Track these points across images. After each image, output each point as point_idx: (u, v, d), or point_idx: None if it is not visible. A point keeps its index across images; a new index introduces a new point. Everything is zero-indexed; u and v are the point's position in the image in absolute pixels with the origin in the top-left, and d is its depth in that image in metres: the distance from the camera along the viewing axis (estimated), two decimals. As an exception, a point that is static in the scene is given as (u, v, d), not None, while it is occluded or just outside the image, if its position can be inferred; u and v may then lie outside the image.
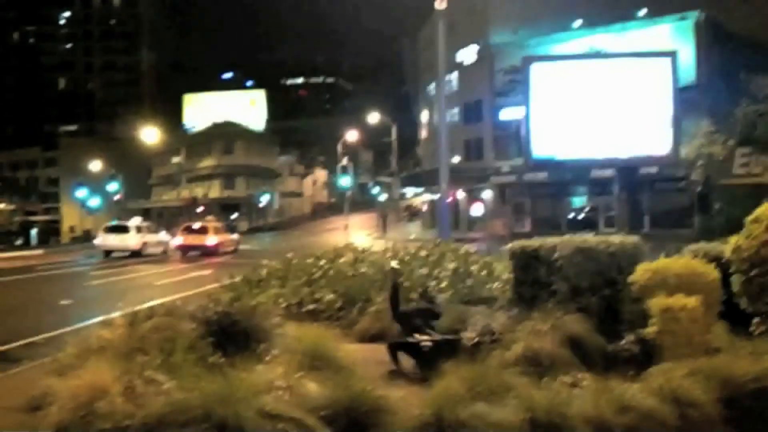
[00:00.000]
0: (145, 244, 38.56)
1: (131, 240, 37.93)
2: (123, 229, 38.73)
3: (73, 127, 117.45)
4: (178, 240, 39.82)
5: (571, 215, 48.21)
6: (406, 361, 7.42)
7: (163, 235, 42.74)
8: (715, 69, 40.08)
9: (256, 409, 4.65)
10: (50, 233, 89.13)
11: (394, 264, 8.99)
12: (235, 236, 45.84)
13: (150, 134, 65.34)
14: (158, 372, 5.66)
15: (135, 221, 41.34)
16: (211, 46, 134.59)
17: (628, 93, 19.46)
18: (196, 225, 41.79)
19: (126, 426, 4.66)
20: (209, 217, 52.29)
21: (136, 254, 36.82)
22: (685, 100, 24.79)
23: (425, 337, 7.44)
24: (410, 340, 7.50)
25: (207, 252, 37.88)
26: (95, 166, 74.22)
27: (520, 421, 4.85)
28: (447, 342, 7.36)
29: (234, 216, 77.16)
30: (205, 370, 5.86)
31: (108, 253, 37.74)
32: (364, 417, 5.17)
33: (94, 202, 66.89)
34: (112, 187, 64.04)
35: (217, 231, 40.96)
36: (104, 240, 38.62)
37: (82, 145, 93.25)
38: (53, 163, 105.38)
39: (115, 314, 7.88)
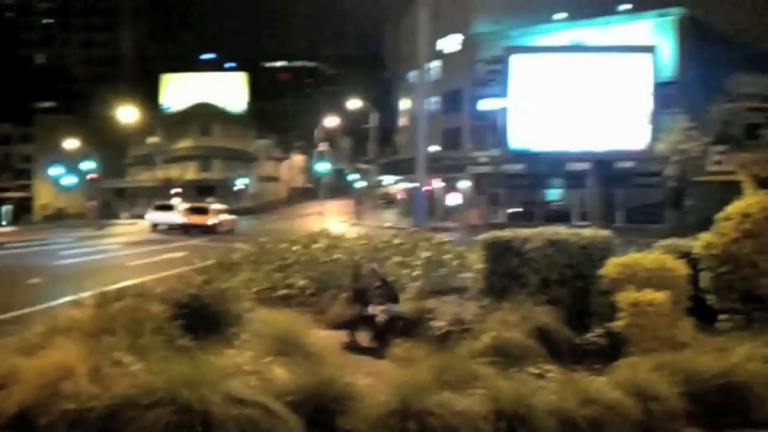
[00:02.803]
0: (218, 223, 43.76)
1: (210, 218, 43.40)
2: (204, 210, 44.87)
3: (49, 104, 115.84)
4: (182, 219, 43.92)
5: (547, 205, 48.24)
6: (363, 337, 7.75)
7: (232, 216, 48.32)
8: (694, 66, 40.31)
9: (222, 393, 4.64)
10: (23, 211, 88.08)
11: (375, 266, 9.02)
12: (232, 217, 48.72)
13: (127, 113, 64.52)
14: (126, 353, 5.63)
15: (213, 203, 48.29)
16: (192, 27, 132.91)
17: (606, 87, 19.61)
18: (198, 205, 46.64)
19: (90, 407, 4.62)
20: (209, 199, 56.86)
21: (211, 231, 41.50)
22: (664, 95, 25.02)
23: (380, 308, 7.60)
24: (366, 313, 7.81)
25: (207, 230, 41.30)
26: (71, 144, 73.28)
27: (485, 411, 4.88)
28: (400, 317, 7.71)
29: (209, 199, 76.78)
30: (173, 352, 5.82)
31: (187, 228, 42.07)
32: (332, 403, 5.18)
33: (69, 180, 66.17)
34: (87, 165, 63.33)
35: (216, 212, 45.18)
36: (187, 218, 43.61)
37: (58, 123, 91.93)
38: (28, 140, 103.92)
39: (85, 294, 7.80)
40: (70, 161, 68.14)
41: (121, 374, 5.15)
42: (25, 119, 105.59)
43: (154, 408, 4.45)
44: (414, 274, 10.16)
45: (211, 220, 43.45)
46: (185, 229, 42.01)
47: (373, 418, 4.85)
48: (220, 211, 46.06)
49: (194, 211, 44.96)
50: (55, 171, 67.39)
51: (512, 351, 6.39)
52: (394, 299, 8.13)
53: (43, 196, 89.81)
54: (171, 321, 6.75)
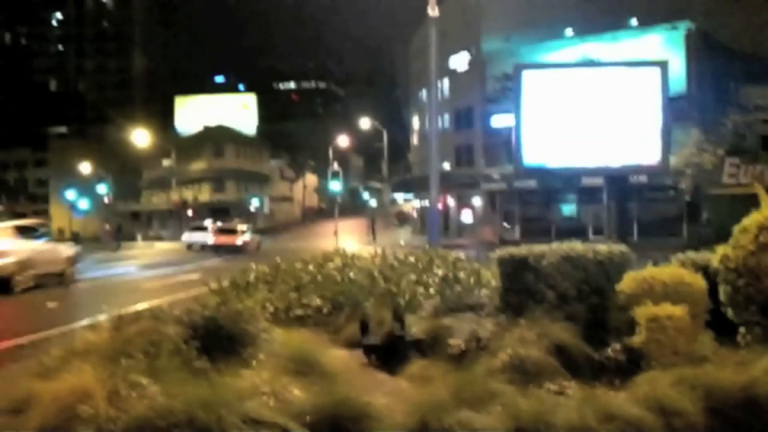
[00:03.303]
0: (246, 242, 47.60)
1: (239, 239, 47.25)
2: (232, 231, 48.79)
3: (63, 129, 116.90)
4: (212, 239, 48.17)
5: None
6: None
7: (256, 236, 52.82)
8: (705, 79, 40.27)
9: (239, 414, 4.62)
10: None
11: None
12: (258, 237, 53.28)
13: (140, 137, 65.10)
14: (143, 376, 5.62)
15: (240, 225, 52.29)
16: (204, 50, 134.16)
17: (618, 102, 19.52)
18: (227, 227, 51.22)
19: (108, 430, 4.62)
20: (235, 220, 61.19)
21: (239, 250, 44.67)
22: (675, 109, 24.93)
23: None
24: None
25: (236, 250, 44.39)
26: (85, 168, 73.89)
27: (505, 428, 4.84)
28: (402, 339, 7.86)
29: (236, 220, 77.23)
30: (189, 374, 5.82)
31: (217, 248, 45.80)
32: (349, 423, 5.14)
33: (83, 204, 66.65)
34: (102, 189, 63.77)
35: (243, 232, 48.96)
36: (216, 239, 47.74)
37: (72, 147, 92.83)
38: (43, 164, 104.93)
39: (101, 317, 7.82)
40: (85, 185, 68.64)
41: (139, 396, 5.14)
42: (40, 144, 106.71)
43: (172, 430, 4.44)
44: (429, 291, 10.13)
45: (239, 240, 46.82)
46: (216, 249, 45.24)
47: (392, 437, 4.82)
48: (246, 231, 49.48)
49: (223, 231, 48.99)
50: (70, 195, 67.80)
51: (530, 368, 6.34)
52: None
53: (59, 220, 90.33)
54: (187, 343, 6.74)
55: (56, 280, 22.32)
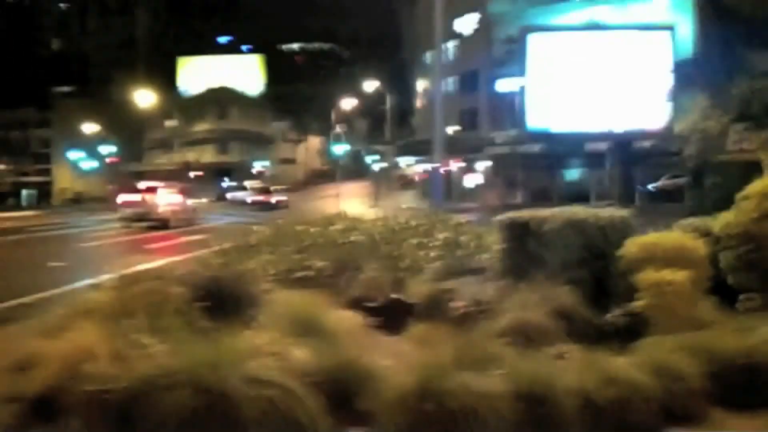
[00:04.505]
0: (279, 200, 58.44)
1: (273, 197, 58.52)
2: (268, 191, 61.30)
3: (67, 89, 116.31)
4: (251, 198, 59.50)
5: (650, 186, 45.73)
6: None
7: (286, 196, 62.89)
8: (713, 44, 39.80)
9: (242, 375, 4.65)
10: (42, 195, 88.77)
11: None
12: (285, 197, 62.44)
13: (144, 97, 64.81)
14: (146, 336, 5.65)
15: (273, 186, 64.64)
16: (208, 10, 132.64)
17: (625, 66, 19.41)
18: (263, 187, 64.02)
19: (111, 389, 4.65)
20: (256, 182, 73.47)
21: (274, 207, 54.17)
22: (682, 74, 24.73)
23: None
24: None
25: (270, 207, 53.41)
26: (89, 128, 73.66)
27: (505, 391, 4.86)
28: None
29: (226, 181, 77.14)
30: (192, 334, 5.84)
31: (256, 204, 55.96)
32: (351, 384, 5.19)
33: (87, 164, 66.58)
34: (105, 149, 63.72)
35: (277, 192, 61.51)
36: (255, 197, 59.00)
37: (76, 107, 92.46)
38: (46, 124, 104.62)
39: (105, 277, 7.84)
40: (89, 145, 68.58)
41: (142, 356, 5.17)
42: (43, 104, 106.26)
43: (175, 389, 4.47)
44: (431, 255, 10.14)
45: (273, 199, 57.98)
46: (255, 205, 55.13)
47: (392, 398, 4.85)
48: (278, 192, 61.74)
49: (260, 191, 61.40)
50: (73, 155, 67.71)
51: (531, 332, 6.36)
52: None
53: (63, 181, 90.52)
54: (190, 303, 6.77)
55: (187, 222, 34.34)
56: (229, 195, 67.37)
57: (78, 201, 74.83)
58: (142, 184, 35.87)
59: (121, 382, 4.69)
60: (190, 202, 37.96)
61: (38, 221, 38.62)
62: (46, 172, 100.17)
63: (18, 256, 19.56)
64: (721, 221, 7.65)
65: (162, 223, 31.73)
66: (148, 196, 33.69)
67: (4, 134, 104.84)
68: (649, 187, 45.18)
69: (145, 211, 32.64)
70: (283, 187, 67.32)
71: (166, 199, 34.25)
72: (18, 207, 69.48)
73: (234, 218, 37.22)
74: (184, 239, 24.30)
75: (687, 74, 33.33)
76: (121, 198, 35.36)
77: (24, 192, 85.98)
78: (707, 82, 35.25)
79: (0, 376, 5.98)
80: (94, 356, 5.20)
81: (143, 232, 29.36)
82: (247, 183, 71.42)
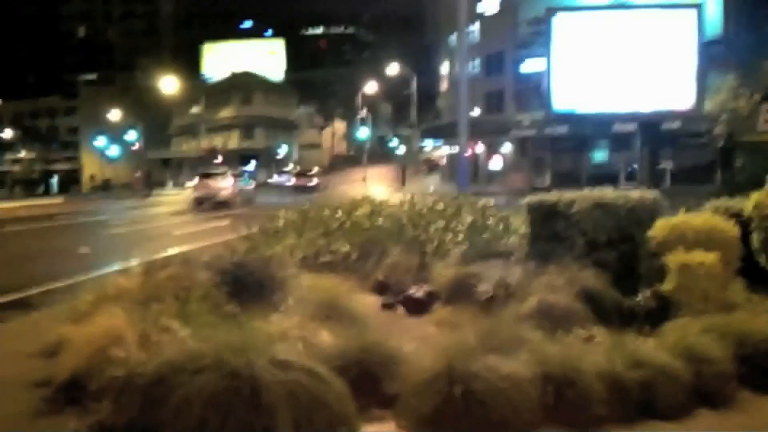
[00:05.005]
0: (318, 183, 62.19)
1: (312, 181, 62.66)
2: (307, 175, 65.04)
3: (92, 76, 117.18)
4: (292, 181, 64.19)
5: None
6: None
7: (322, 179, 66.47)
8: (742, 22, 39.13)
9: (268, 358, 4.65)
10: (70, 182, 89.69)
11: None
12: (322, 180, 65.98)
13: (169, 84, 65.02)
14: (173, 320, 5.68)
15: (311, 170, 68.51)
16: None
17: (651, 46, 19.18)
18: (303, 171, 67.55)
19: (139, 373, 4.68)
20: (294, 166, 78.09)
21: (313, 189, 57.58)
22: (711, 54, 24.40)
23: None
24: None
25: (310, 190, 56.79)
26: (114, 115, 74.14)
27: (532, 374, 4.83)
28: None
29: (250, 166, 77.40)
30: (219, 319, 5.88)
31: (296, 188, 59.05)
32: (377, 367, 5.18)
33: (114, 151, 67.07)
34: (131, 136, 64.12)
35: (315, 176, 64.99)
36: (296, 181, 63.15)
37: (102, 94, 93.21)
38: (73, 112, 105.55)
39: (132, 262, 7.90)
40: (115, 132, 68.99)
41: (169, 341, 5.19)
42: (70, 92, 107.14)
43: (202, 373, 4.48)
44: (458, 239, 10.10)
45: (312, 182, 61.94)
46: (295, 188, 58.26)
47: (418, 381, 4.83)
48: (316, 175, 65.33)
49: (300, 175, 65.41)
50: (99, 142, 68.19)
51: (558, 314, 6.30)
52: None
53: (90, 167, 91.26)
54: (217, 288, 6.80)
55: (246, 202, 39.31)
56: (273, 179, 72.89)
57: (106, 188, 75.48)
58: (207, 172, 42.53)
59: (148, 366, 4.72)
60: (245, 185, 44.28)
61: (68, 208, 39.17)
62: (75, 159, 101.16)
63: (49, 243, 19.78)
64: (752, 201, 7.52)
65: (226, 204, 36.92)
66: (213, 182, 39.42)
67: (33, 123, 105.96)
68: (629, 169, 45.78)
69: (212, 194, 38.01)
70: (319, 171, 70.75)
71: (227, 183, 39.84)
72: (48, 194, 70.23)
73: (279, 199, 40.82)
74: (212, 225, 24.44)
75: (716, 54, 32.85)
76: (192, 184, 42.66)
77: (53, 179, 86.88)
78: (736, 61, 34.68)
79: (29, 360, 6.07)
80: (122, 341, 5.24)
81: (170, 218, 29.63)
82: (289, 167, 78.27)
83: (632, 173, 37.59)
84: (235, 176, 43.26)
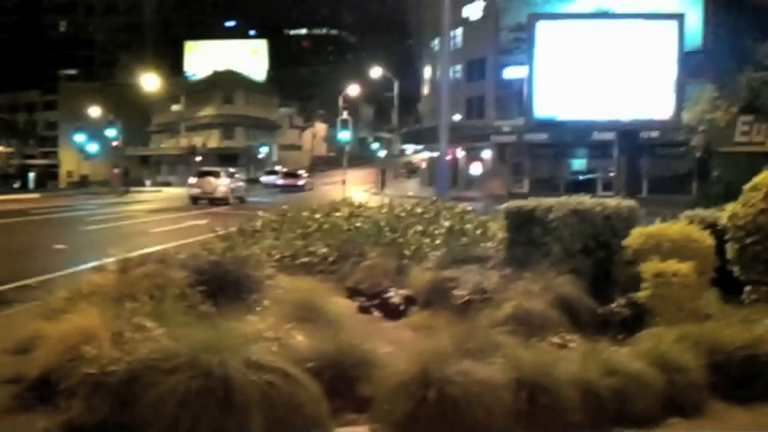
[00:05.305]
0: (304, 183, 65.46)
1: (300, 180, 65.99)
2: (295, 175, 68.49)
3: (73, 71, 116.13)
4: (280, 180, 66.95)
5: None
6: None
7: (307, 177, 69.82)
8: (722, 34, 39.55)
9: (242, 359, 4.63)
10: (48, 177, 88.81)
11: None
12: (310, 180, 68.65)
13: (150, 81, 64.54)
14: (147, 319, 5.63)
15: (299, 171, 72.00)
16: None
17: (633, 55, 19.28)
18: (291, 171, 71.15)
19: (112, 371, 4.64)
20: (283, 167, 78.67)
21: (300, 189, 61.52)
22: (690, 64, 24.62)
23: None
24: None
25: (297, 189, 60.10)
26: (94, 111, 73.48)
27: (506, 379, 4.84)
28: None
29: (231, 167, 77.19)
30: (194, 318, 5.84)
31: (284, 187, 62.53)
32: (351, 370, 5.17)
33: (93, 147, 66.34)
34: (111, 132, 63.54)
35: (302, 176, 68.23)
36: (284, 180, 66.24)
37: (82, 90, 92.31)
38: (52, 107, 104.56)
39: (108, 260, 7.83)
40: (94, 128, 68.29)
41: (143, 339, 5.14)
42: (49, 87, 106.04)
43: (175, 372, 4.45)
44: (435, 243, 10.12)
45: (300, 182, 64.86)
46: (283, 188, 61.01)
47: (393, 385, 4.83)
48: (303, 176, 68.42)
49: (288, 175, 68.31)
50: (79, 138, 67.50)
51: (534, 320, 6.33)
52: None
53: (68, 163, 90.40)
54: (192, 287, 6.76)
55: (240, 199, 41.95)
56: (262, 178, 74.46)
57: (84, 184, 74.83)
58: (204, 170, 45.11)
59: (121, 364, 4.68)
60: (238, 183, 45.51)
61: (45, 203, 38.71)
62: (53, 155, 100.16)
63: (23, 239, 19.57)
64: (728, 212, 7.60)
65: (222, 200, 39.65)
66: (211, 179, 41.39)
67: (11, 117, 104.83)
68: (579, 177, 47.77)
69: (209, 190, 40.38)
70: (305, 171, 73.85)
71: (223, 181, 41.89)
72: (24, 189, 69.55)
73: (269, 198, 43.49)
74: (190, 223, 24.31)
75: (696, 64, 33.18)
76: (190, 181, 43.61)
77: (30, 175, 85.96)
78: (715, 72, 35.03)
79: (1, 357, 6.00)
80: (95, 338, 5.19)
81: (148, 215, 29.43)
82: (277, 168, 79.48)
83: (610, 182, 37.99)
84: (230, 175, 44.90)
